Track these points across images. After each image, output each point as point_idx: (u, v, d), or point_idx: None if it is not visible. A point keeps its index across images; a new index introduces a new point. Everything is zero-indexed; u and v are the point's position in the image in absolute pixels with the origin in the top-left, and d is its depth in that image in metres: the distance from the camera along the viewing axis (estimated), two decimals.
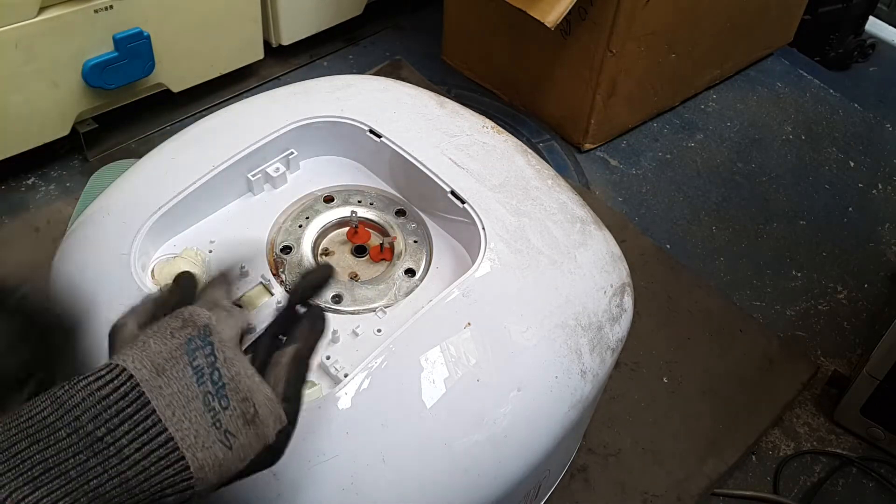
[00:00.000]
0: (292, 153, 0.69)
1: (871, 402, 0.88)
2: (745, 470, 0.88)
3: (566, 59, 1.18)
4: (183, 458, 0.33)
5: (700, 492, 0.83)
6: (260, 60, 1.26)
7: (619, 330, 0.62)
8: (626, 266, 0.66)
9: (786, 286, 1.09)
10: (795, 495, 0.87)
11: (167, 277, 0.59)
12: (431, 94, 0.75)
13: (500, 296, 0.58)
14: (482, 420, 0.52)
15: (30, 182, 1.09)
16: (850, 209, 1.22)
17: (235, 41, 1.20)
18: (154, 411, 0.33)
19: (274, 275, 0.61)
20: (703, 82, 1.38)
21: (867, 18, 1.53)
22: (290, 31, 1.29)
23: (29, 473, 0.31)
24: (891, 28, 1.63)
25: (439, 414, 0.52)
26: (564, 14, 1.01)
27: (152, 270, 0.61)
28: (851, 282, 1.11)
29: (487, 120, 0.73)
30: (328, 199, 0.68)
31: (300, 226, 0.65)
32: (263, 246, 0.63)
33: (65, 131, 1.06)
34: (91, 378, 0.33)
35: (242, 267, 0.60)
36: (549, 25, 1.01)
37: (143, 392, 0.33)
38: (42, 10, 0.95)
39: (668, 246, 1.12)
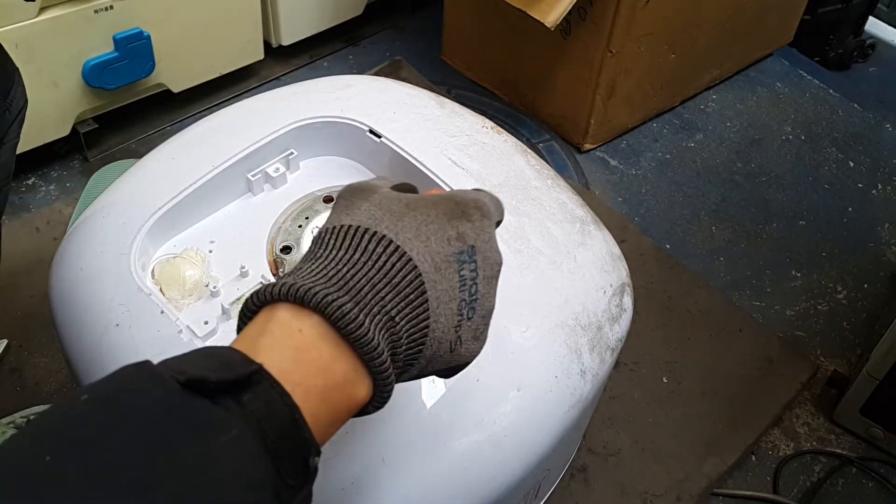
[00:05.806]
0: (292, 153, 0.69)
1: (871, 401, 0.88)
2: (744, 470, 0.88)
3: (566, 60, 1.18)
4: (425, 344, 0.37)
5: (700, 492, 0.84)
6: (260, 61, 1.26)
7: (619, 330, 0.62)
8: (626, 266, 0.66)
9: (785, 286, 1.09)
10: (795, 495, 0.87)
11: (167, 278, 0.59)
12: (431, 94, 0.75)
13: (500, 295, 0.57)
14: (482, 420, 0.52)
15: (30, 182, 1.09)
16: (850, 209, 1.22)
17: (236, 41, 1.20)
18: (426, 301, 0.37)
19: (274, 275, 0.61)
20: (703, 82, 1.38)
21: (867, 18, 1.53)
22: (291, 32, 1.29)
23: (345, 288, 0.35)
24: (890, 28, 1.63)
25: (439, 414, 0.52)
26: (564, 14, 1.01)
27: (152, 271, 0.60)
28: (851, 282, 1.11)
29: (487, 120, 0.73)
30: (328, 199, 0.68)
31: (300, 226, 0.65)
32: (263, 246, 0.63)
33: (65, 131, 1.06)
34: (382, 259, 0.37)
35: (242, 267, 0.60)
36: (548, 26, 1.01)
37: (424, 283, 0.37)
38: (42, 10, 0.95)
39: (667, 246, 1.12)
